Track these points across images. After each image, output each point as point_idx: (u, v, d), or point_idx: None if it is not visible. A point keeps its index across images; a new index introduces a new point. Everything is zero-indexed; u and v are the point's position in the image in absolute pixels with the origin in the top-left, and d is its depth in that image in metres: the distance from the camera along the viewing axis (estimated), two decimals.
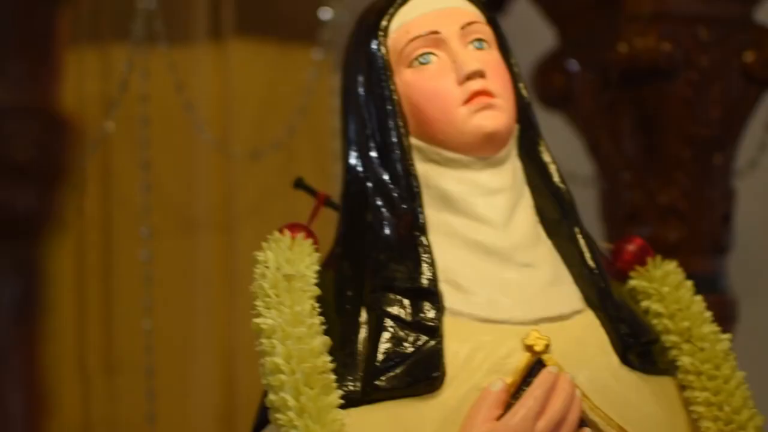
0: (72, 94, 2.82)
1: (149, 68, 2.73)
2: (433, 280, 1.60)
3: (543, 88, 2.63)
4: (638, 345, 1.63)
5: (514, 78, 1.73)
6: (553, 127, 2.83)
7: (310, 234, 1.69)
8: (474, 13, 1.72)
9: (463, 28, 1.69)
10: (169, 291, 2.84)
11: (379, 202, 1.67)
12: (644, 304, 1.73)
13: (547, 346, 1.57)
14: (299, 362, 1.52)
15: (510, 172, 1.69)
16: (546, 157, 1.73)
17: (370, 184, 1.68)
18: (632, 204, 2.49)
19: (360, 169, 1.70)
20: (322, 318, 1.58)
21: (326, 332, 1.58)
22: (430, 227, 1.65)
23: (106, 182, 2.94)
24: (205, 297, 2.89)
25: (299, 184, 1.87)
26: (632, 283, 1.75)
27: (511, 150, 1.70)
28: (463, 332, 1.58)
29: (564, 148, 2.86)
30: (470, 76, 1.65)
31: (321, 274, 1.65)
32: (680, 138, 2.47)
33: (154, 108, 2.79)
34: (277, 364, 1.52)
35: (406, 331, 1.58)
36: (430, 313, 1.58)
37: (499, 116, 1.66)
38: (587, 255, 1.67)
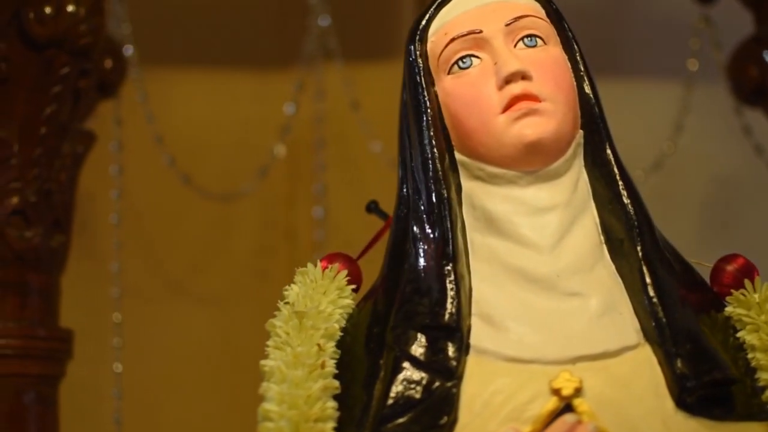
0: (235, 117, 2.79)
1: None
2: (456, 316, 1.42)
3: (737, 81, 2.33)
4: (701, 386, 1.37)
5: (579, 77, 1.51)
6: None
7: (347, 264, 1.53)
8: (526, 6, 1.52)
9: (509, 24, 1.49)
10: None
11: (415, 228, 1.50)
12: (740, 335, 1.46)
13: (577, 390, 1.35)
14: (289, 408, 1.37)
15: (568, 186, 1.48)
16: (614, 167, 1.49)
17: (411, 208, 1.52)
18: None
19: (405, 191, 1.54)
20: (330, 360, 1.42)
21: (349, 373, 1.43)
22: (473, 253, 1.46)
23: (323, 204, 2.88)
24: None
25: (371, 208, 1.72)
26: (727, 310, 1.48)
27: (573, 160, 1.49)
28: (486, 373, 1.39)
29: None
30: (509, 79, 1.46)
31: (360, 307, 1.50)
32: None
33: None
34: (267, 410, 1.38)
35: (422, 373, 1.40)
36: (450, 353, 1.40)
37: (544, 123, 1.45)
38: (648, 280, 1.42)
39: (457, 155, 1.50)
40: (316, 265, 1.52)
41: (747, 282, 1.49)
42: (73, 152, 2.18)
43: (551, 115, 1.46)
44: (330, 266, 1.51)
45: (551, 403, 1.35)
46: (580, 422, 1.32)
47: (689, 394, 1.37)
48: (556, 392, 1.35)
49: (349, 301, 1.49)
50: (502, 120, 1.45)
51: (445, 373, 1.39)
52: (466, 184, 1.49)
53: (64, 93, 2.13)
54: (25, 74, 2.10)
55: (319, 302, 1.47)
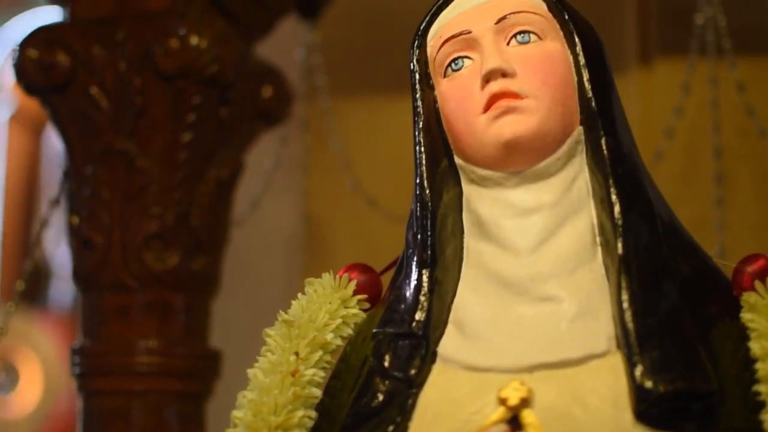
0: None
1: None
2: (423, 324, 1.39)
3: None
4: (661, 397, 1.27)
5: (579, 72, 1.44)
6: None
7: (364, 275, 1.52)
8: (520, 2, 1.46)
9: (498, 22, 1.45)
10: None
11: (408, 235, 1.48)
12: (750, 343, 1.34)
13: (524, 400, 1.28)
14: (253, 415, 1.38)
15: (559, 185, 1.41)
16: (607, 163, 1.41)
17: None
18: None
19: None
20: (310, 369, 1.41)
21: (339, 382, 1.44)
22: (467, 258, 1.43)
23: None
24: None
25: None
26: (741, 315, 1.36)
27: (569, 158, 1.43)
28: (446, 382, 1.35)
29: None
30: (488, 77, 1.41)
31: (371, 315, 1.49)
32: None
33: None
34: (234, 416, 1.40)
35: (386, 382, 1.39)
36: (414, 361, 1.37)
37: (523, 121, 1.40)
38: (623, 284, 1.33)
39: (456, 159, 1.47)
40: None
41: (758, 284, 1.37)
42: (217, 177, 2.25)
43: (532, 112, 1.40)
44: (341, 277, 1.51)
45: (496, 414, 1.29)
46: None
47: (650, 406, 1.27)
48: (502, 402, 1.29)
49: (354, 311, 1.48)
50: (482, 120, 1.41)
51: (406, 382, 1.36)
52: (465, 188, 1.46)
53: (201, 121, 2.20)
54: (159, 106, 2.19)
55: (317, 311, 1.47)
